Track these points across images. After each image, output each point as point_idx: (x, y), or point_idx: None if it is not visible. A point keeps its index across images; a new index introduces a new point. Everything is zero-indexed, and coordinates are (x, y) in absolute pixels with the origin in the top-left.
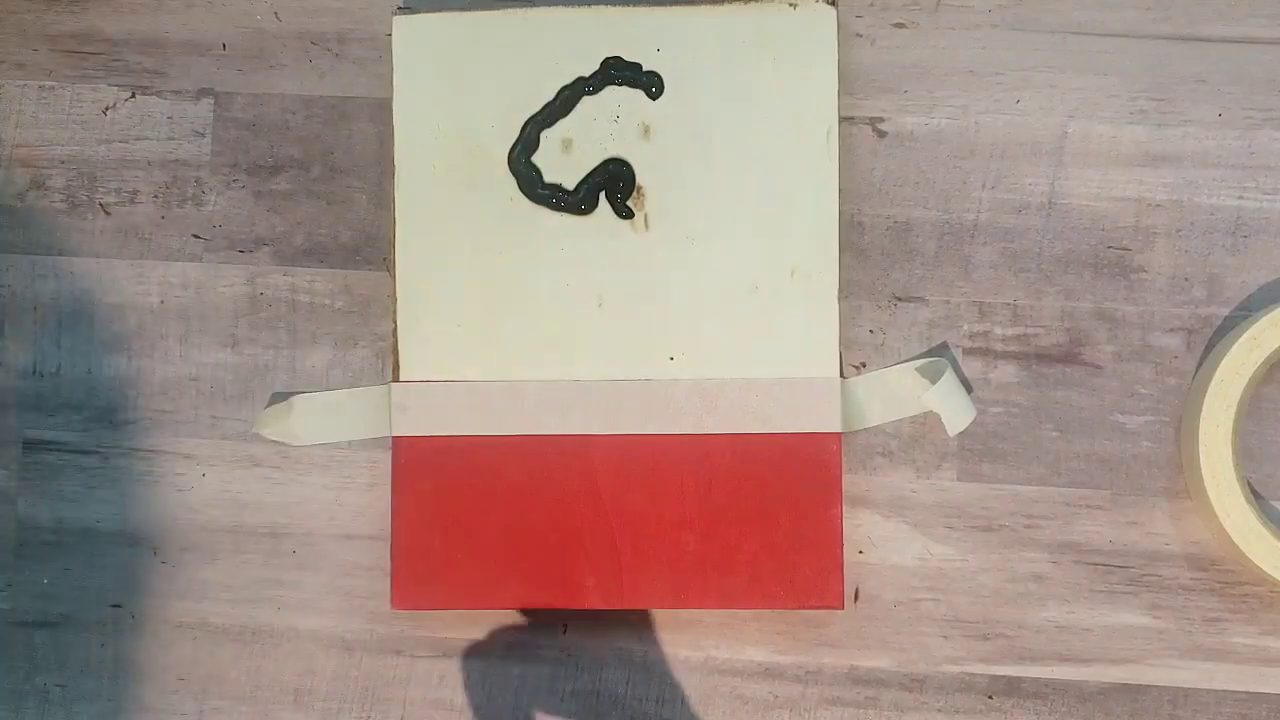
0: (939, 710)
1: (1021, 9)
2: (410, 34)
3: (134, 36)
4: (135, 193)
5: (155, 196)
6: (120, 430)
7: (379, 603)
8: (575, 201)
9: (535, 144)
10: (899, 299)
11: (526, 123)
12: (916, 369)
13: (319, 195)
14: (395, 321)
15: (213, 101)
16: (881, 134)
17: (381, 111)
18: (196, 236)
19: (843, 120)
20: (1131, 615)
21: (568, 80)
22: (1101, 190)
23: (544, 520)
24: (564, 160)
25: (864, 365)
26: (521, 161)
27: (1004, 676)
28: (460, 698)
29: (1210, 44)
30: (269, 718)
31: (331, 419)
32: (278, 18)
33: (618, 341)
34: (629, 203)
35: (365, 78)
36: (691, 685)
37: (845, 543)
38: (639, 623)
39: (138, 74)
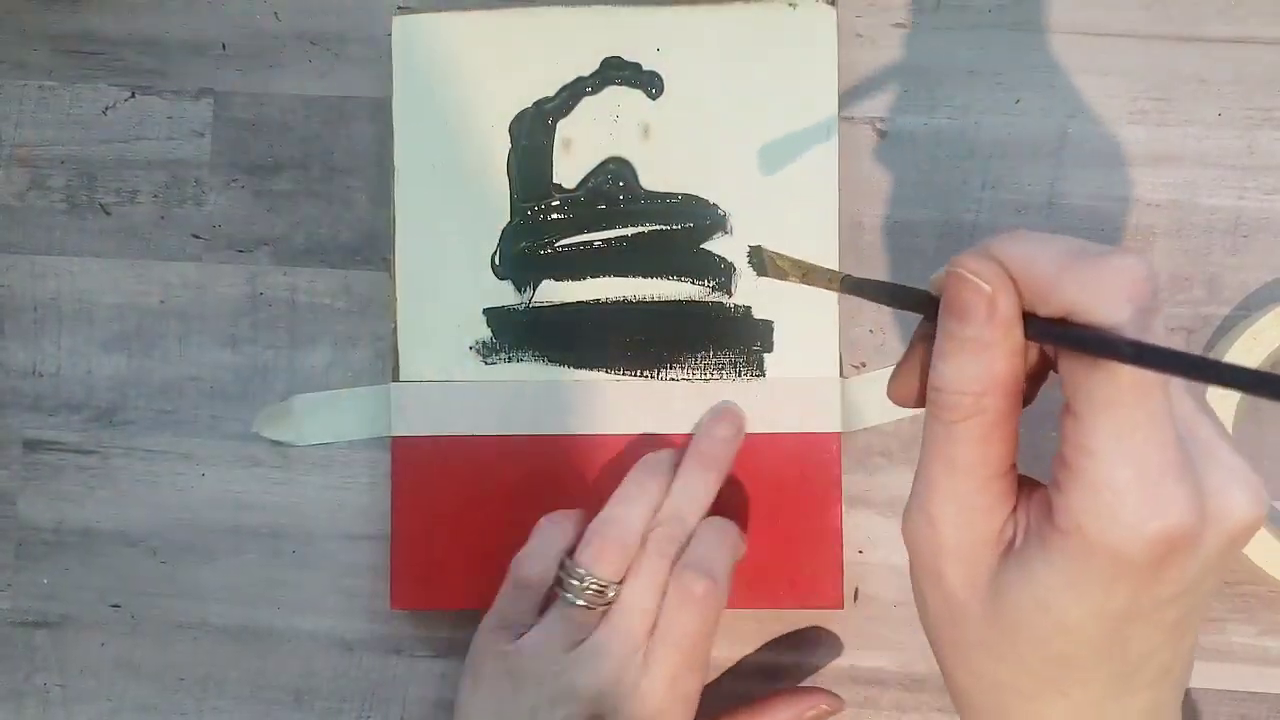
0: (939, 710)
1: (1021, 9)
2: (410, 34)
3: (134, 36)
4: (135, 193)
5: (155, 196)
6: (120, 430)
7: (379, 603)
8: (575, 200)
9: None
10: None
11: None
12: None
13: (319, 195)
14: (395, 321)
15: (212, 101)
16: (881, 134)
17: (381, 111)
18: (196, 236)
19: (842, 120)
20: None
21: (567, 80)
22: (1101, 190)
23: None
24: (564, 160)
25: (864, 365)
26: None
27: None
28: None
29: (1210, 44)
30: (269, 718)
31: (331, 419)
32: (277, 18)
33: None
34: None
35: (365, 78)
36: None
37: (845, 542)
38: None
39: (137, 74)
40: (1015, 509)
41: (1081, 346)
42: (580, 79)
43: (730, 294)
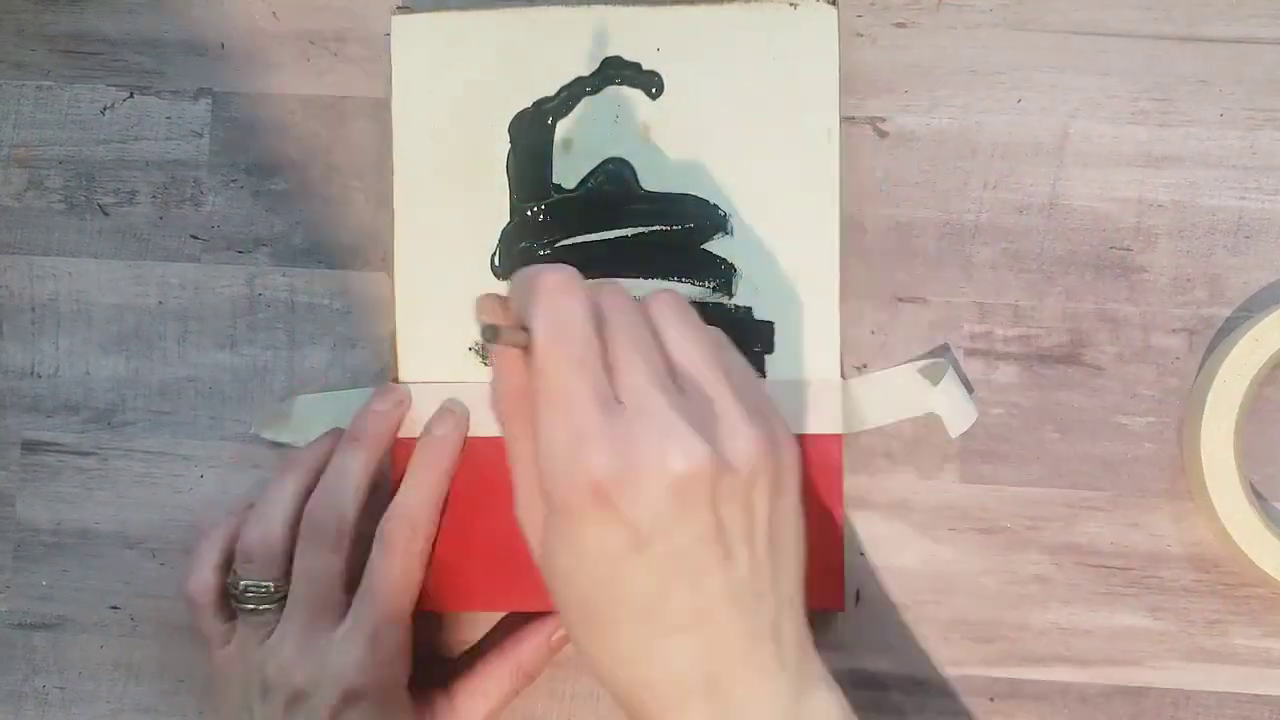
0: (940, 713)
1: (1023, 8)
2: (409, 33)
3: (132, 36)
4: (133, 193)
5: (153, 197)
6: (119, 431)
7: None
8: (575, 201)
9: None
10: (900, 299)
11: None
12: (918, 370)
13: (318, 195)
14: (394, 322)
15: (211, 101)
16: (882, 134)
17: (380, 111)
18: (195, 237)
19: (843, 120)
20: (1133, 617)
21: (567, 80)
22: (1103, 190)
23: None
24: (564, 160)
25: (865, 366)
26: None
27: (1006, 679)
28: None
29: (1212, 44)
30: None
31: (330, 420)
32: (276, 17)
33: None
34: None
35: (364, 77)
36: None
37: (846, 544)
38: None
39: (136, 74)
40: None
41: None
42: (580, 79)
43: (731, 295)
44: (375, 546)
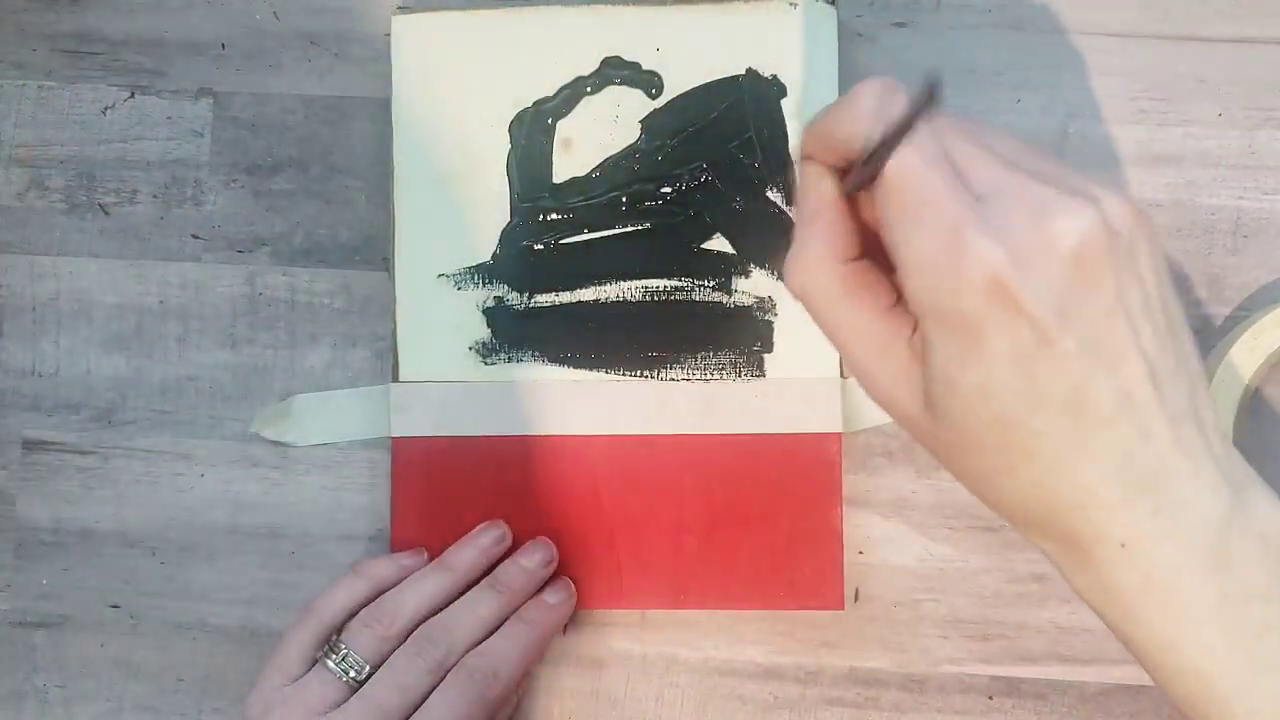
0: (939, 711)
1: (1021, 8)
2: (410, 33)
3: (133, 36)
4: (134, 193)
5: (154, 196)
6: (119, 430)
7: None
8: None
9: None
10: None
11: None
12: None
13: (318, 195)
14: (394, 322)
15: (212, 101)
16: None
17: (381, 111)
18: (195, 236)
19: None
20: None
21: (567, 80)
22: None
23: (543, 521)
24: (564, 160)
25: None
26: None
27: (1004, 677)
28: None
29: (1211, 44)
30: None
31: (331, 419)
32: (277, 17)
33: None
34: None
35: (364, 77)
36: (691, 686)
37: (845, 543)
38: (638, 623)
39: (137, 74)
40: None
41: (859, 179)
42: (580, 79)
43: (730, 294)
44: (451, 676)
